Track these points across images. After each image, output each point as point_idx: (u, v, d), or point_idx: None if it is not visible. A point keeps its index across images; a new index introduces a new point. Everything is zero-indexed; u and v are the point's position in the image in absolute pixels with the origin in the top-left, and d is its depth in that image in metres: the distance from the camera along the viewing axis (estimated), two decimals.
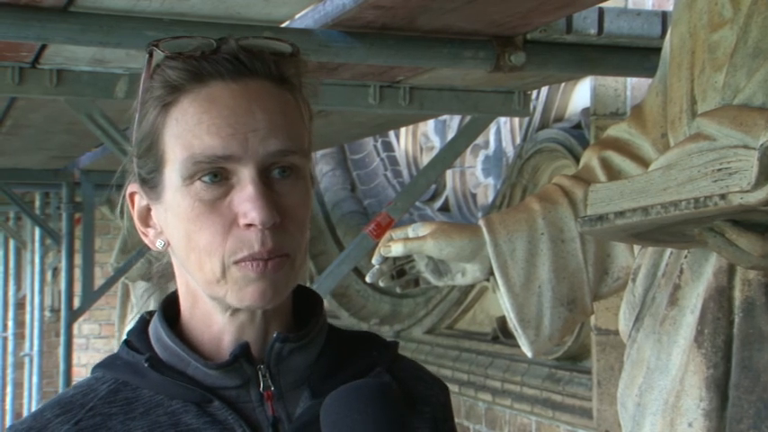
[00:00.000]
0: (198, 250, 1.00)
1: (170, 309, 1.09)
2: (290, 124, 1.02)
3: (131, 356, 1.06)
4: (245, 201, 0.98)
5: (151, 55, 1.03)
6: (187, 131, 1.00)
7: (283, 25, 2.57)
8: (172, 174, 1.01)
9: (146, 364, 1.03)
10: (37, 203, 8.39)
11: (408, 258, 1.91)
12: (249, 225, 0.99)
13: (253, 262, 0.99)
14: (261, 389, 1.04)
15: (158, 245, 1.06)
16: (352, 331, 1.15)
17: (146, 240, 1.08)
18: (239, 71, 1.01)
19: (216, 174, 0.99)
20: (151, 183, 1.04)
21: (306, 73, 1.05)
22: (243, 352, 1.03)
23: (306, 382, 1.06)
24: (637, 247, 1.76)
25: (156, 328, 1.07)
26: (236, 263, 1.00)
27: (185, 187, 1.00)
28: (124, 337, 1.11)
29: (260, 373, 1.04)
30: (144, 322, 1.10)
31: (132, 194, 1.08)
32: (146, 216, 1.07)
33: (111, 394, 1.03)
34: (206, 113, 0.99)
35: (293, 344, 1.05)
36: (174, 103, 1.01)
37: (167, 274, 1.12)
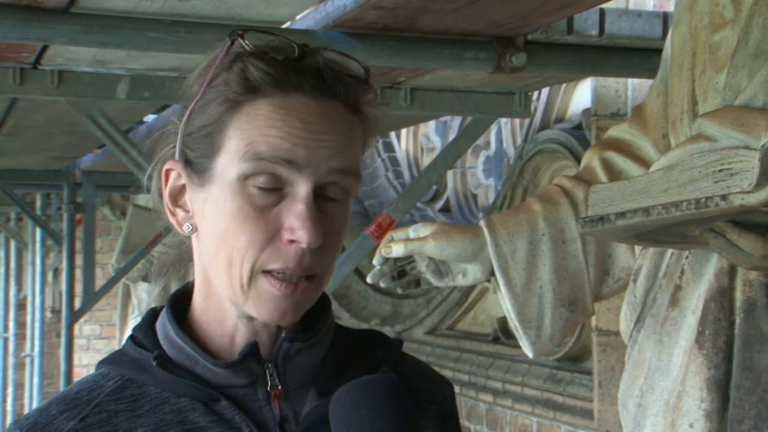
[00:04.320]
0: (231, 250, 0.99)
1: (178, 304, 1.08)
2: (353, 148, 1.03)
3: (138, 353, 1.05)
4: (295, 217, 0.98)
5: (233, 43, 1.01)
6: (256, 131, 0.99)
7: (284, 26, 2.57)
8: (228, 167, 0.99)
9: (154, 363, 1.03)
10: (38, 204, 8.39)
11: (409, 259, 1.91)
12: (292, 241, 0.98)
13: (283, 282, 0.99)
14: (268, 387, 1.04)
15: (185, 229, 1.05)
16: (358, 330, 1.15)
17: (171, 220, 1.06)
18: (321, 90, 1.01)
19: (272, 178, 0.98)
20: (197, 167, 1.02)
21: (374, 104, 1.06)
22: (252, 351, 1.03)
23: (312, 382, 1.06)
24: (638, 248, 1.76)
25: (164, 326, 1.07)
26: (266, 273, 0.99)
27: (239, 185, 0.99)
28: (129, 332, 1.10)
29: (267, 371, 1.04)
30: (151, 317, 1.09)
31: (168, 171, 1.05)
32: (177, 196, 1.05)
33: (117, 391, 1.03)
34: (281, 121, 0.99)
35: (301, 344, 1.05)
36: (248, 102, 1.00)
37: (178, 263, 1.11)
